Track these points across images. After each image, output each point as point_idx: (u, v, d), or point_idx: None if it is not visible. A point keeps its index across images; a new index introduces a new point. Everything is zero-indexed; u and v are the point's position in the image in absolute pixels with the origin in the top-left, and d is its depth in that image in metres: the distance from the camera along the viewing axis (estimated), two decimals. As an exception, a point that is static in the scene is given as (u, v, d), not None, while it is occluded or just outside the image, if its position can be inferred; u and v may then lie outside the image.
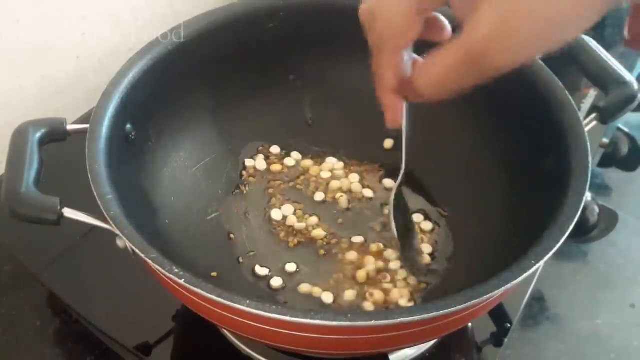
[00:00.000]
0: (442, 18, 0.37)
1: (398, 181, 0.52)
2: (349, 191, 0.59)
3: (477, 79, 0.33)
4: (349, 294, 0.51)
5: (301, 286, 0.52)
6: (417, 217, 0.56)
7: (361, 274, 0.52)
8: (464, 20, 0.33)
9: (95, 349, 0.53)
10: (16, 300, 0.56)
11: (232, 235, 0.55)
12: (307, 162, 0.61)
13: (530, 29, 0.31)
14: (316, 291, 0.51)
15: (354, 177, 0.59)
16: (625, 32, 0.35)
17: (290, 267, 0.53)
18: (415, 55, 0.38)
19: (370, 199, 0.58)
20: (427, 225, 0.56)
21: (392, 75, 0.37)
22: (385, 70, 0.37)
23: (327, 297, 0.51)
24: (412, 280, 0.52)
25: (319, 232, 0.55)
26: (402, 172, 0.51)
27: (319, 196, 0.58)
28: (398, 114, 0.40)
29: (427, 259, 0.53)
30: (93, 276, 0.56)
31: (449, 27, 0.37)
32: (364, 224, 0.56)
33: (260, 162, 0.60)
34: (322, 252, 0.54)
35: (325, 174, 0.60)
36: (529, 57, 0.33)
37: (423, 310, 0.36)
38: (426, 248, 0.54)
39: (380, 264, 0.53)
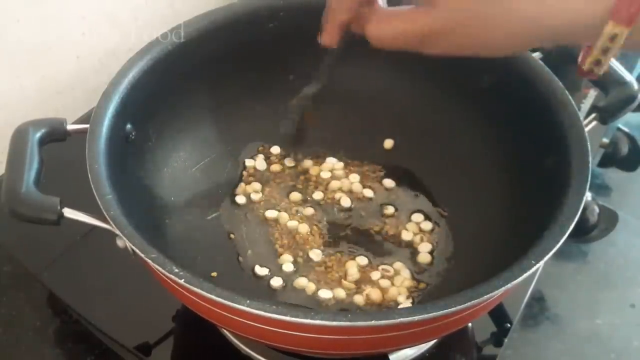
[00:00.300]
0: None
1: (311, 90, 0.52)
2: (349, 191, 0.59)
3: (421, 51, 0.38)
4: (345, 292, 0.51)
5: (297, 280, 0.52)
6: (417, 217, 0.56)
7: (349, 281, 0.52)
8: None
9: (95, 349, 0.53)
10: (16, 300, 0.56)
11: (232, 235, 0.55)
12: (307, 162, 0.61)
13: (483, 33, 0.36)
14: (310, 287, 0.51)
15: (354, 177, 0.59)
16: (579, 61, 0.38)
17: (289, 266, 0.53)
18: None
19: (370, 199, 0.58)
20: (427, 225, 0.56)
21: (348, 9, 0.42)
22: (346, 2, 0.42)
23: (325, 294, 0.51)
24: (408, 274, 0.52)
25: (317, 232, 0.55)
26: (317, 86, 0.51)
27: (319, 196, 0.58)
28: (335, 38, 0.44)
29: (427, 258, 0.54)
30: (93, 276, 0.56)
31: None
32: (363, 223, 0.56)
33: (260, 162, 0.60)
34: (320, 251, 0.54)
35: (325, 174, 0.60)
36: (476, 54, 0.37)
37: (423, 310, 0.36)
38: (426, 247, 0.54)
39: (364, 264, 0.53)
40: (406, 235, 0.55)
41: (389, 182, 0.59)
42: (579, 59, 0.38)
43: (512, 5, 0.35)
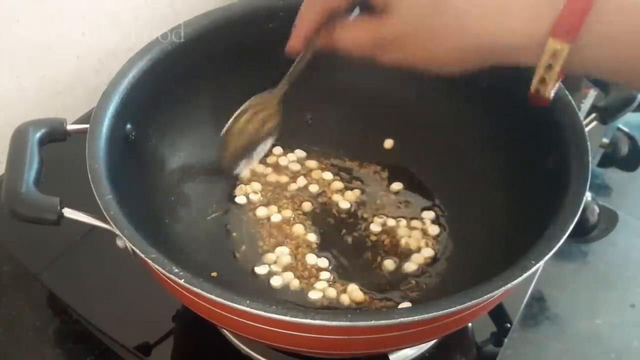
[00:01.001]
0: None
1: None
2: (349, 192, 0.58)
3: (378, 59, 0.40)
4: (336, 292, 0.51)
5: (295, 279, 0.52)
6: (417, 223, 0.56)
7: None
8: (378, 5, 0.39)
9: (95, 349, 0.53)
10: (16, 300, 0.56)
11: (232, 235, 0.55)
12: (309, 163, 0.61)
13: (430, 46, 0.38)
14: (307, 287, 0.52)
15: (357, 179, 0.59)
16: (532, 88, 0.40)
17: (289, 266, 0.53)
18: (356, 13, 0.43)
19: (370, 200, 0.58)
20: (434, 230, 0.55)
21: (315, 19, 0.43)
22: (313, 12, 0.43)
23: (315, 295, 0.51)
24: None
25: (317, 232, 0.55)
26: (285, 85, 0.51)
27: (318, 195, 0.58)
28: (301, 44, 0.45)
29: (422, 260, 0.54)
30: (93, 276, 0.56)
31: None
32: (362, 224, 0.56)
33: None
34: (319, 252, 0.54)
35: (327, 175, 0.60)
36: (425, 67, 0.40)
37: (423, 310, 0.36)
38: (429, 252, 0.54)
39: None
40: (405, 240, 0.55)
41: (389, 183, 0.59)
42: (533, 85, 0.39)
43: (457, 21, 0.37)
